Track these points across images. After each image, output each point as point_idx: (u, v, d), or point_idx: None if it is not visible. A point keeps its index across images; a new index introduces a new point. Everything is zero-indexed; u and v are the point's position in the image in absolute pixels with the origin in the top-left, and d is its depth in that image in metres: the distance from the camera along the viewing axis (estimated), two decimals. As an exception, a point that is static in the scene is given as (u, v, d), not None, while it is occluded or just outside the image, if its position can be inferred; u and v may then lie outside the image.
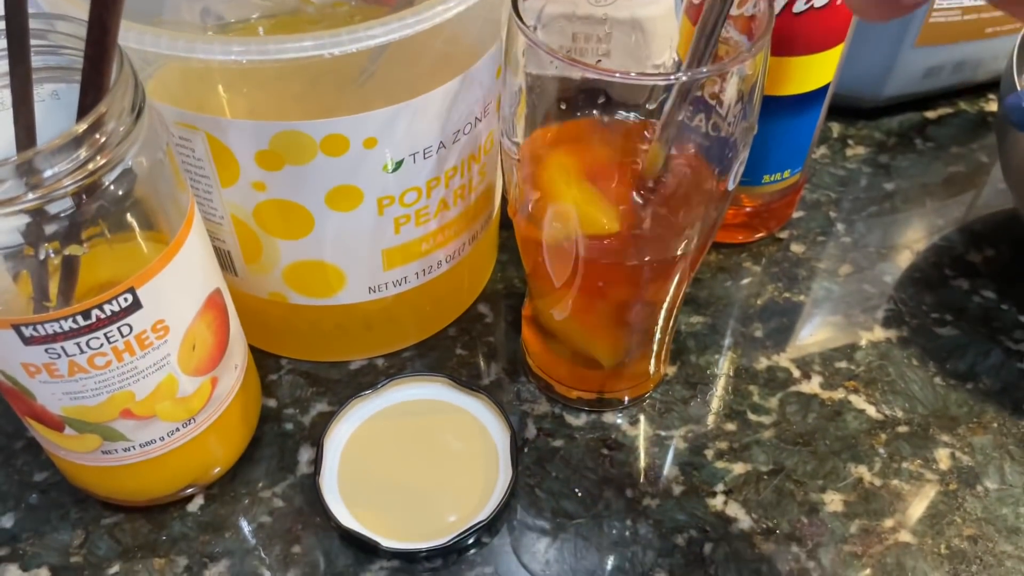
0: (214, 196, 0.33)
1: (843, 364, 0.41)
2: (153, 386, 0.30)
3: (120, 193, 0.26)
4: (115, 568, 0.34)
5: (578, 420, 0.39)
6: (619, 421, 0.39)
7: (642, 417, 0.39)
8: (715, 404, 0.40)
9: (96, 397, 0.29)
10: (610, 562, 0.34)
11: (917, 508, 0.36)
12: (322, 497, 0.35)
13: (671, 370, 0.41)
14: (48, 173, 0.24)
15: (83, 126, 0.24)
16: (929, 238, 0.48)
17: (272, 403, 0.39)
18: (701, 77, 0.28)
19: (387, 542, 0.33)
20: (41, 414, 0.29)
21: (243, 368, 0.35)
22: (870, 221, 0.49)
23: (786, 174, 0.44)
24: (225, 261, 0.36)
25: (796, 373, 0.41)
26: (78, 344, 0.27)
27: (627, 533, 0.35)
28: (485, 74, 0.33)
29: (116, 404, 0.29)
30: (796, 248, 0.47)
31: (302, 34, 0.27)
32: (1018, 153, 0.41)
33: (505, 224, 0.46)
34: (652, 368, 0.39)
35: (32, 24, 0.26)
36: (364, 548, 0.34)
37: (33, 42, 0.26)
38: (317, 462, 0.36)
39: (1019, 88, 0.40)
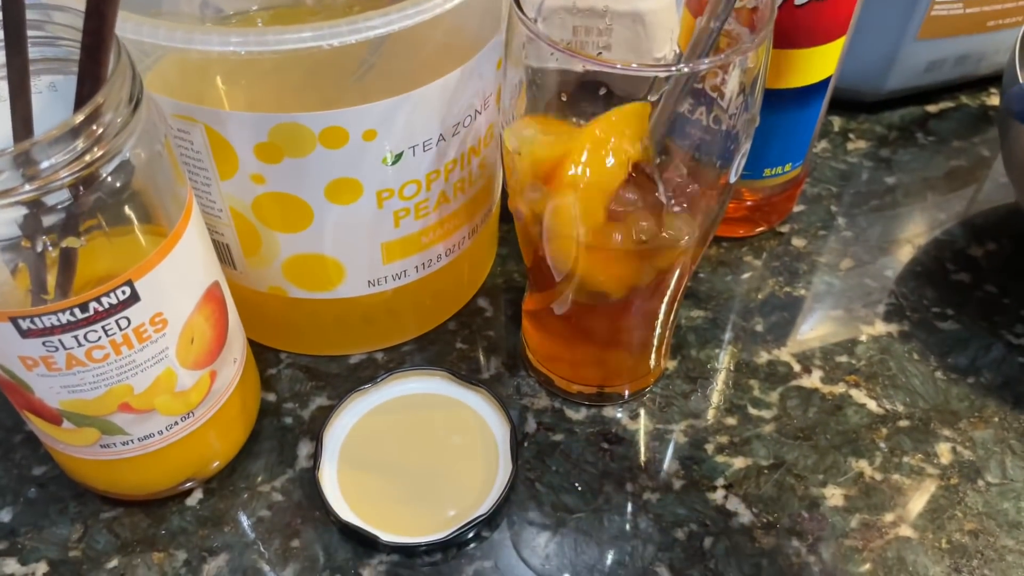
0: (213, 189, 0.33)
1: (844, 358, 0.41)
2: (151, 379, 0.30)
3: (118, 185, 0.26)
4: (114, 562, 0.34)
5: (578, 414, 0.39)
6: (619, 415, 0.39)
7: (642, 411, 0.39)
8: (715, 398, 0.40)
9: (94, 390, 0.29)
10: (610, 556, 0.34)
11: (918, 502, 0.36)
12: (321, 491, 0.35)
13: (671, 364, 0.41)
14: (45, 164, 0.24)
15: (80, 117, 0.24)
16: (930, 232, 0.48)
17: (271, 397, 0.39)
18: (703, 69, 0.28)
19: (386, 536, 0.33)
20: (39, 407, 0.29)
21: (242, 362, 0.35)
22: (871, 215, 0.49)
23: (787, 167, 0.43)
24: (224, 254, 0.36)
25: (797, 367, 0.41)
26: (76, 337, 0.27)
27: (627, 527, 0.35)
28: (485, 66, 0.33)
29: (114, 397, 0.29)
30: (797, 242, 0.47)
31: (301, 25, 0.27)
32: (1020, 147, 0.41)
33: (505, 218, 0.46)
34: (652, 362, 0.39)
35: (29, 15, 0.25)
36: (363, 542, 0.34)
37: (30, 33, 0.26)
38: (316, 456, 0.36)
39: (1021, 81, 0.39)
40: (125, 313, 0.27)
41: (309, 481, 0.36)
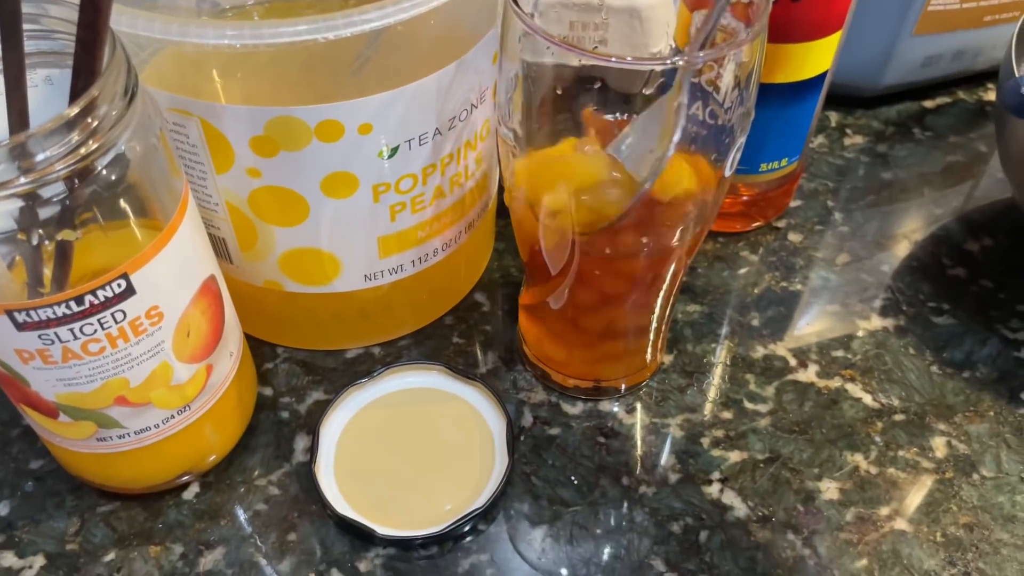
0: (208, 183, 0.33)
1: (840, 353, 0.41)
2: (147, 373, 0.30)
3: (113, 178, 0.26)
4: (110, 555, 0.34)
5: (574, 408, 0.39)
6: (615, 409, 0.39)
7: (638, 405, 0.39)
8: (711, 392, 0.40)
9: (90, 384, 0.29)
10: (606, 549, 0.34)
11: (913, 496, 0.36)
12: (318, 485, 0.35)
13: (668, 359, 0.41)
14: (40, 157, 0.24)
15: (75, 110, 0.24)
16: (927, 227, 0.48)
17: (268, 391, 0.39)
18: (698, 62, 0.28)
19: (383, 530, 0.33)
20: (35, 401, 0.29)
21: (238, 356, 0.35)
22: (868, 210, 0.49)
23: (784, 162, 0.43)
24: (220, 248, 0.36)
25: (793, 362, 0.41)
26: (71, 330, 0.27)
27: (623, 521, 0.35)
28: (481, 60, 0.33)
29: (110, 391, 0.29)
30: (793, 237, 0.47)
31: (296, 18, 0.27)
32: (1017, 143, 0.41)
33: (502, 213, 0.46)
34: (648, 357, 0.39)
35: (25, 8, 0.25)
36: (360, 536, 0.34)
37: (26, 26, 0.26)
38: (313, 450, 0.36)
39: (1017, 75, 0.39)
40: (121, 306, 0.27)
41: (306, 475, 0.36)
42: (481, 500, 0.34)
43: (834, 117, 0.55)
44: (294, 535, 0.34)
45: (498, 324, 0.42)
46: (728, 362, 0.41)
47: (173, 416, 0.32)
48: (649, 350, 0.39)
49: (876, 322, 0.43)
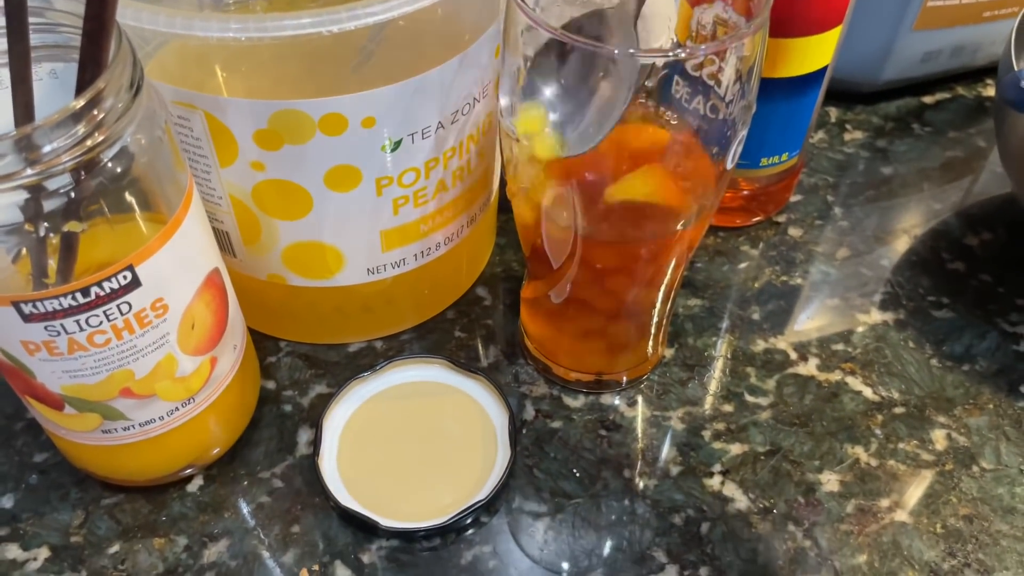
0: (212, 176, 0.33)
1: (840, 346, 0.41)
2: (152, 365, 0.30)
3: (118, 170, 0.26)
4: (115, 548, 0.34)
5: (576, 402, 0.39)
6: (617, 402, 0.39)
7: (640, 399, 0.39)
8: (712, 386, 0.40)
9: (95, 375, 0.29)
10: (608, 541, 0.34)
11: (913, 488, 0.36)
12: (321, 477, 0.35)
13: (669, 352, 0.41)
14: (46, 149, 0.24)
15: (81, 102, 0.24)
16: (926, 222, 0.48)
17: (271, 385, 0.40)
18: (699, 55, 0.28)
19: (386, 521, 0.34)
20: (41, 393, 0.30)
21: (242, 349, 0.35)
22: (868, 205, 0.49)
23: (784, 157, 0.44)
24: (224, 242, 0.36)
25: (793, 355, 0.41)
26: (77, 322, 0.27)
27: (625, 513, 0.35)
28: (483, 54, 0.33)
29: (116, 382, 0.29)
30: (794, 232, 0.47)
31: (300, 11, 0.27)
32: (1016, 138, 0.41)
33: (503, 208, 0.46)
34: (650, 350, 0.39)
35: (30, 1, 0.26)
36: (363, 527, 0.34)
37: (31, 20, 0.26)
38: (316, 443, 0.36)
39: (1016, 69, 0.40)
40: (126, 298, 0.27)
41: (309, 467, 0.36)
42: (483, 492, 0.34)
43: (834, 113, 0.55)
44: (297, 527, 0.35)
45: (500, 318, 0.43)
46: (729, 356, 0.41)
47: (178, 408, 0.32)
48: (650, 344, 0.39)
49: (876, 316, 0.43)
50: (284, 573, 0.33)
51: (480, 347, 0.41)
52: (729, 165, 0.31)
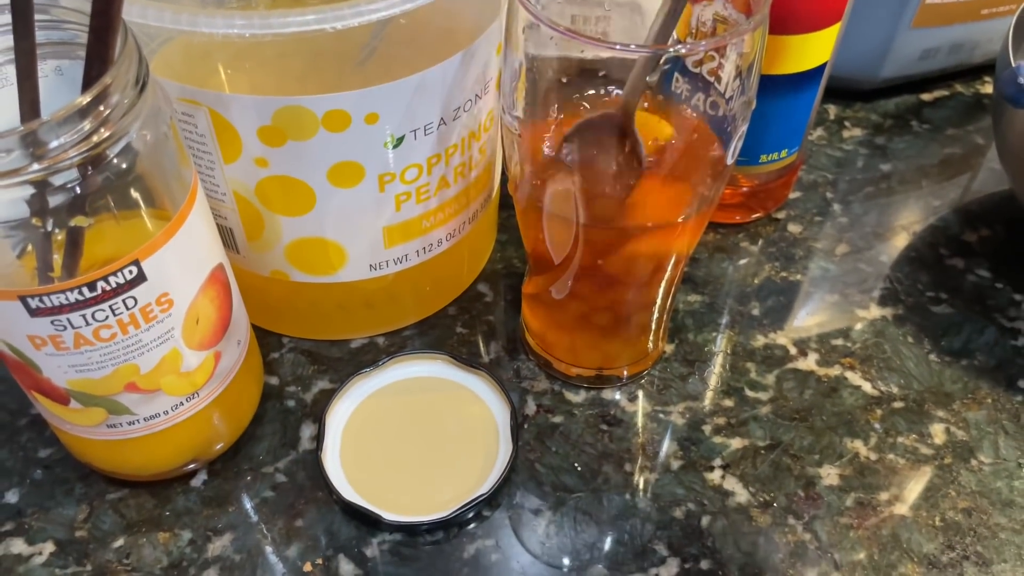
0: (216, 172, 0.33)
1: (839, 341, 0.42)
2: (158, 359, 0.30)
3: (124, 166, 0.26)
4: (120, 542, 0.34)
5: (577, 397, 0.39)
6: (618, 397, 0.39)
7: (640, 394, 0.39)
8: (713, 381, 0.40)
9: (101, 370, 0.29)
10: (609, 535, 0.35)
11: (912, 482, 0.36)
12: (324, 472, 0.35)
13: (669, 348, 0.41)
14: (53, 144, 0.24)
15: (88, 98, 0.24)
16: (925, 219, 0.48)
17: (274, 381, 0.40)
18: (700, 49, 0.28)
19: (389, 515, 0.34)
20: (47, 387, 0.30)
21: (245, 344, 0.35)
22: (866, 202, 0.49)
23: (783, 153, 0.44)
24: (227, 239, 0.36)
25: (793, 350, 0.41)
26: (84, 316, 0.27)
27: (626, 507, 0.35)
28: (486, 51, 0.34)
29: (121, 377, 0.30)
30: (793, 228, 0.47)
31: (305, 8, 0.27)
32: (1013, 134, 0.41)
33: (505, 205, 0.46)
34: (651, 345, 0.40)
35: (36, -2, 0.26)
36: (366, 521, 0.34)
37: (36, 17, 0.26)
38: (319, 438, 0.36)
39: (1014, 65, 0.40)
40: (132, 293, 0.28)
41: (312, 462, 0.36)
42: (486, 487, 0.35)
43: (833, 110, 0.55)
44: (301, 521, 0.35)
45: (501, 314, 0.43)
46: (729, 351, 0.41)
47: (182, 403, 0.32)
48: (651, 339, 0.39)
49: (875, 311, 0.43)
50: (288, 567, 0.33)
51: (481, 343, 0.42)
52: (729, 160, 0.32)
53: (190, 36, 0.28)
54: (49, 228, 0.26)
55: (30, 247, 0.27)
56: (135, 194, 0.27)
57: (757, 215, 0.47)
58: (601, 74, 0.32)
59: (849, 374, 0.40)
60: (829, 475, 0.36)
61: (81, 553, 0.34)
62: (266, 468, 0.36)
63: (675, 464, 0.37)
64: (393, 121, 0.32)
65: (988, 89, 0.57)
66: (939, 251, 0.46)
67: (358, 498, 0.34)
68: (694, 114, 0.31)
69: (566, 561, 0.34)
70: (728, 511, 0.35)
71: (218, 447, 0.36)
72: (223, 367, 0.33)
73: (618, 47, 0.27)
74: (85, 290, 0.27)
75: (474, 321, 0.42)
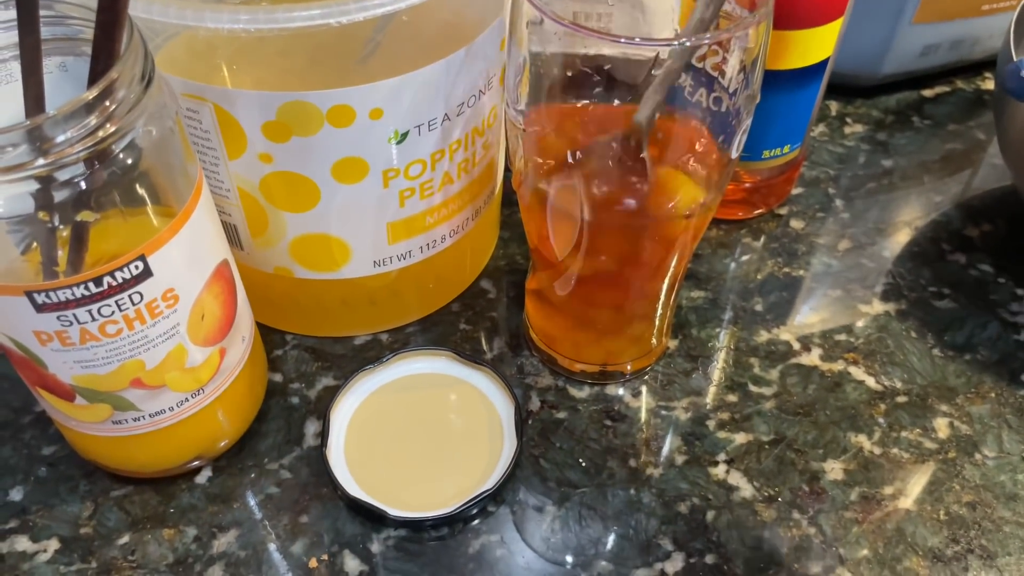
0: (221, 168, 0.33)
1: (842, 337, 0.42)
2: (163, 355, 0.30)
3: (129, 162, 0.26)
4: (125, 539, 0.34)
5: (581, 392, 0.39)
6: (622, 393, 0.39)
7: (644, 389, 0.39)
8: (716, 376, 0.40)
9: (107, 366, 0.29)
10: (614, 530, 0.35)
11: (916, 476, 0.36)
12: (329, 468, 0.35)
13: (673, 344, 0.41)
14: (59, 139, 0.24)
15: (94, 92, 0.24)
16: (927, 214, 0.48)
17: (278, 378, 0.40)
18: (704, 44, 0.28)
19: (394, 511, 0.34)
20: (52, 383, 0.30)
21: (250, 341, 0.35)
22: (868, 198, 0.49)
23: (786, 149, 0.44)
24: (231, 235, 0.36)
25: (796, 346, 0.41)
26: (89, 312, 0.27)
27: (630, 502, 0.35)
28: (489, 47, 0.34)
29: (126, 373, 0.30)
30: (795, 224, 0.47)
31: (310, 3, 0.27)
32: (1015, 129, 0.41)
33: (508, 201, 0.46)
34: (654, 341, 0.40)
35: (39, -7, 0.26)
36: (371, 517, 0.34)
37: (41, 12, 0.26)
38: (324, 434, 0.36)
39: (1015, 59, 0.40)
40: (138, 288, 0.28)
41: (317, 459, 0.36)
42: (490, 482, 0.35)
43: (834, 106, 0.55)
44: (306, 518, 0.35)
45: (504, 311, 0.43)
46: (732, 346, 0.41)
47: (187, 399, 0.32)
48: (654, 335, 0.39)
49: (878, 306, 0.43)
50: (293, 563, 0.33)
51: (485, 339, 0.42)
52: (734, 154, 0.32)
53: (195, 31, 0.28)
54: (54, 223, 0.26)
55: (34, 243, 0.27)
56: (140, 190, 0.27)
57: (760, 211, 0.47)
58: (606, 68, 0.32)
59: (852, 369, 0.40)
60: (833, 469, 0.37)
61: (86, 550, 0.34)
62: (271, 465, 0.36)
63: (679, 459, 0.37)
64: (397, 117, 0.32)
65: (989, 85, 0.57)
66: (941, 246, 0.46)
67: (363, 494, 0.34)
68: (697, 110, 0.31)
69: (571, 556, 0.34)
70: (733, 506, 0.35)
71: (223, 444, 0.36)
72: (228, 363, 0.33)
73: (622, 40, 0.27)
74: (91, 285, 0.27)
75: (478, 317, 0.42)
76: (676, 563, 0.34)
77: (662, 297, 0.37)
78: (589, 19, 0.42)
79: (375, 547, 0.34)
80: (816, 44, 0.40)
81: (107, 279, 0.27)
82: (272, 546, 0.34)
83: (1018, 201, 0.49)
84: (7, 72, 0.29)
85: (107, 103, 0.25)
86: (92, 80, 0.25)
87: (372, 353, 0.41)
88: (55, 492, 0.36)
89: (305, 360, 0.40)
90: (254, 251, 0.37)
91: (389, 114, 0.32)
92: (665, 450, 0.37)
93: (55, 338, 0.28)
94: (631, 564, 0.33)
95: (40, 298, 0.26)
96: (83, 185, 0.25)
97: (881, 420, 0.38)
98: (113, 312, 0.28)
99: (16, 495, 0.36)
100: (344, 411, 0.38)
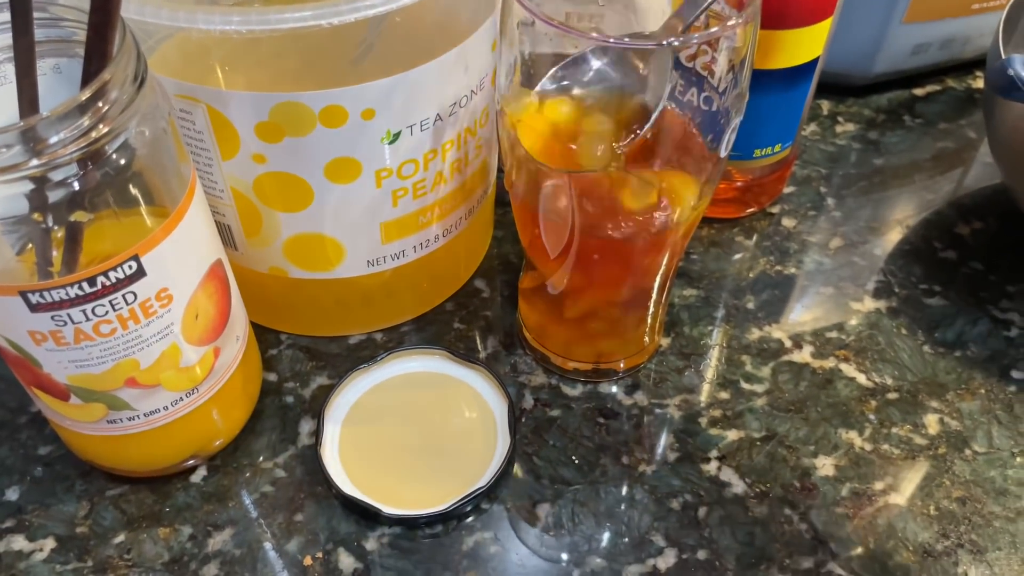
0: (214, 169, 0.33)
1: (834, 334, 0.42)
2: (157, 354, 0.30)
3: (123, 162, 0.27)
4: (120, 537, 0.34)
5: (574, 390, 0.40)
6: (614, 391, 0.39)
7: (637, 387, 0.40)
8: (709, 374, 0.40)
9: (101, 365, 0.29)
10: (607, 526, 0.35)
11: (907, 472, 0.37)
12: (323, 466, 0.35)
13: (665, 342, 0.42)
14: (52, 140, 0.24)
15: (87, 93, 0.24)
16: (918, 212, 0.49)
17: (273, 377, 0.40)
18: (692, 42, 0.29)
19: (388, 509, 0.34)
20: (47, 383, 0.30)
21: (244, 340, 0.35)
22: (860, 196, 0.49)
23: (777, 148, 0.44)
24: (226, 236, 0.36)
25: (788, 343, 0.42)
26: (84, 311, 0.27)
27: (623, 498, 0.36)
28: (480, 47, 0.34)
29: (121, 372, 0.30)
30: (787, 222, 0.48)
31: (302, 4, 0.27)
32: (1005, 128, 0.42)
33: (501, 201, 0.46)
34: (647, 339, 0.40)
35: (33, -4, 0.26)
36: (366, 515, 0.35)
37: (34, 15, 0.26)
38: (318, 433, 0.36)
39: (1004, 57, 0.40)
40: (132, 288, 0.28)
41: (311, 457, 0.37)
42: (484, 480, 0.35)
43: (826, 105, 0.55)
44: (301, 516, 0.35)
45: (498, 310, 0.43)
46: (724, 344, 0.42)
47: (182, 398, 0.32)
48: (647, 333, 0.40)
49: (869, 304, 0.43)
50: (288, 561, 0.34)
51: (479, 338, 0.42)
52: (723, 153, 0.32)
53: (187, 33, 0.28)
54: (49, 224, 0.26)
55: (29, 244, 0.27)
56: (134, 190, 0.27)
57: (752, 210, 0.48)
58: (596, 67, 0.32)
59: (844, 366, 0.41)
60: (824, 466, 0.37)
61: (82, 549, 0.34)
62: (265, 463, 0.37)
63: (672, 456, 0.37)
64: (389, 117, 0.32)
65: (980, 84, 0.57)
66: (932, 244, 0.47)
67: (357, 492, 0.35)
68: (687, 109, 0.32)
69: (564, 553, 0.34)
70: (725, 502, 0.36)
71: (217, 443, 0.36)
72: (222, 362, 0.33)
73: (611, 41, 0.28)
74: (85, 285, 0.27)
75: (471, 316, 0.43)
76: (668, 559, 0.34)
77: (654, 295, 0.37)
78: (581, 19, 0.42)
79: (370, 545, 0.34)
80: (806, 44, 0.40)
81: (101, 279, 0.27)
82: (267, 544, 0.34)
83: (1008, 199, 0.49)
84: (1, 74, 0.29)
85: (100, 104, 0.25)
86: (85, 81, 0.26)
87: (366, 352, 0.41)
88: (51, 492, 0.36)
89: (300, 359, 0.41)
90: (248, 251, 0.37)
91: (381, 114, 0.32)
92: (657, 447, 0.37)
93: (49, 338, 0.28)
94: (624, 560, 0.34)
95: (34, 298, 0.27)
96: (77, 186, 0.26)
97: (872, 416, 0.39)
98: (107, 312, 0.28)
99: (12, 495, 0.36)
100: (338, 410, 0.38)
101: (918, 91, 0.57)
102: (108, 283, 0.27)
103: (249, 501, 0.36)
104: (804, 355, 0.41)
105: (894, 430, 0.38)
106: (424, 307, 0.43)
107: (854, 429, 0.38)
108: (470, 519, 0.35)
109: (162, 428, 0.33)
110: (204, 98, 0.31)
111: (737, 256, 0.46)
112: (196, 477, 0.36)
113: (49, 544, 0.34)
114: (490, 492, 0.35)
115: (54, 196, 0.26)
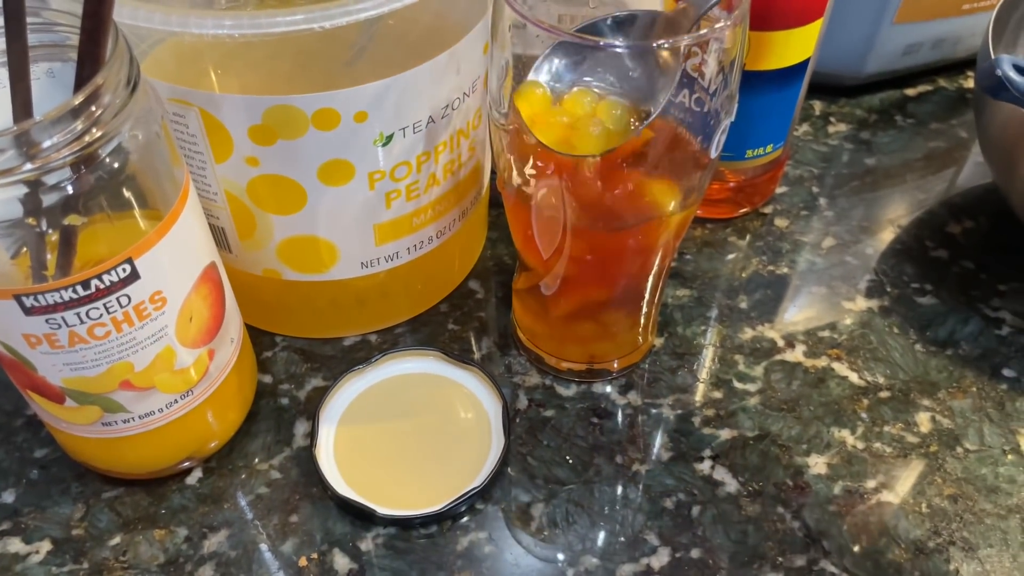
0: (208, 172, 0.33)
1: (826, 333, 0.42)
2: (152, 357, 0.30)
3: (116, 166, 0.27)
4: (116, 540, 0.34)
5: (568, 391, 0.40)
6: (608, 391, 0.40)
7: (631, 387, 0.40)
8: (702, 373, 0.41)
9: (96, 368, 0.29)
10: (601, 526, 0.35)
11: (899, 470, 0.37)
12: (319, 468, 0.35)
13: (659, 342, 0.42)
14: (46, 144, 0.24)
15: (80, 98, 0.25)
16: (910, 212, 0.49)
17: (267, 379, 0.40)
18: (681, 45, 0.29)
19: (383, 510, 0.34)
20: (42, 386, 0.30)
21: (239, 342, 0.36)
22: (852, 196, 0.50)
23: (769, 148, 0.44)
24: (219, 238, 0.37)
25: (780, 343, 0.42)
26: (78, 314, 0.28)
27: (617, 498, 0.36)
28: (472, 50, 0.34)
29: (116, 375, 0.30)
30: (780, 222, 0.48)
31: (294, 8, 0.28)
32: (995, 127, 0.42)
33: (495, 203, 0.47)
34: (640, 339, 0.40)
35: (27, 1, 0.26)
36: (361, 516, 0.35)
37: (28, 19, 0.26)
38: (313, 435, 0.36)
39: (993, 57, 0.40)
40: (126, 291, 0.28)
41: (306, 459, 0.37)
42: (478, 480, 0.35)
43: (818, 106, 0.56)
44: (296, 517, 0.35)
45: (492, 311, 0.43)
46: (718, 344, 0.42)
47: (176, 401, 0.33)
48: (640, 333, 0.40)
49: (861, 303, 0.44)
50: (283, 562, 0.34)
51: (473, 339, 0.42)
52: (713, 154, 0.32)
53: (180, 37, 0.28)
54: (43, 227, 0.26)
55: (24, 248, 0.27)
56: (127, 193, 0.28)
57: (744, 210, 0.48)
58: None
59: (836, 365, 0.41)
60: (817, 464, 0.37)
61: (78, 551, 0.34)
62: (260, 465, 0.37)
63: (665, 455, 0.37)
64: (382, 119, 0.32)
65: (971, 83, 0.58)
66: (924, 243, 0.47)
67: (352, 493, 0.35)
68: (678, 110, 0.32)
69: (558, 553, 0.34)
70: (718, 501, 0.36)
71: (212, 445, 0.36)
72: (216, 365, 0.34)
73: (602, 43, 0.28)
74: (79, 288, 0.27)
75: (465, 318, 0.43)
76: (662, 558, 0.34)
77: (647, 295, 0.38)
78: (574, 21, 0.42)
79: (365, 545, 0.34)
80: (796, 45, 0.40)
81: (95, 282, 0.27)
82: (262, 545, 0.34)
83: (999, 198, 0.49)
84: (-5, 79, 0.29)
85: (93, 108, 0.25)
86: (78, 86, 0.26)
87: (361, 354, 0.41)
88: (47, 494, 0.36)
89: (294, 361, 0.41)
90: (242, 253, 0.37)
91: (374, 117, 0.32)
92: (651, 447, 0.38)
93: (44, 341, 0.28)
94: (618, 560, 0.34)
95: (29, 301, 0.27)
96: (70, 189, 0.26)
97: (864, 415, 0.39)
98: (101, 315, 0.28)
99: (8, 497, 0.36)
100: (333, 411, 0.38)
101: (910, 91, 0.57)
102: (102, 286, 0.27)
103: (244, 502, 0.36)
104: (797, 354, 0.41)
105: (886, 428, 0.38)
106: (418, 308, 0.43)
107: (846, 428, 0.38)
108: (465, 519, 0.35)
109: (157, 430, 0.33)
110: (197, 102, 0.31)
111: (730, 256, 0.46)
112: (191, 479, 0.36)
113: (45, 546, 0.34)
114: (484, 492, 0.35)
115: (48, 200, 0.26)
